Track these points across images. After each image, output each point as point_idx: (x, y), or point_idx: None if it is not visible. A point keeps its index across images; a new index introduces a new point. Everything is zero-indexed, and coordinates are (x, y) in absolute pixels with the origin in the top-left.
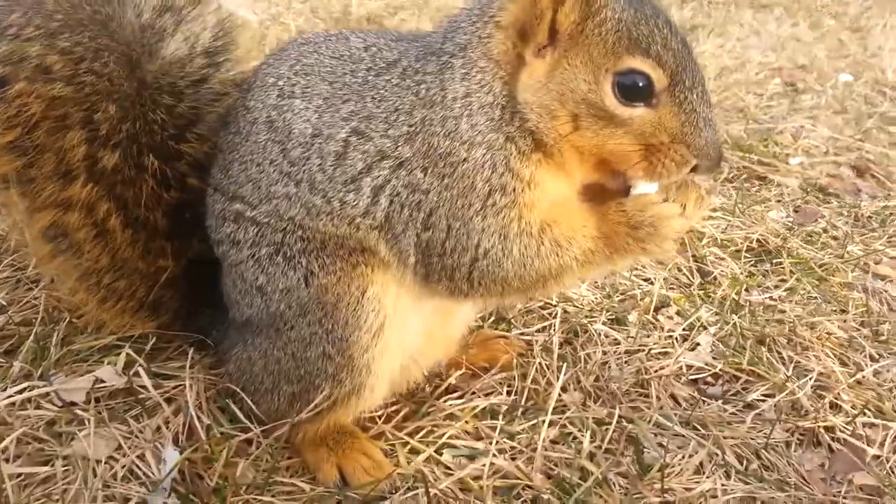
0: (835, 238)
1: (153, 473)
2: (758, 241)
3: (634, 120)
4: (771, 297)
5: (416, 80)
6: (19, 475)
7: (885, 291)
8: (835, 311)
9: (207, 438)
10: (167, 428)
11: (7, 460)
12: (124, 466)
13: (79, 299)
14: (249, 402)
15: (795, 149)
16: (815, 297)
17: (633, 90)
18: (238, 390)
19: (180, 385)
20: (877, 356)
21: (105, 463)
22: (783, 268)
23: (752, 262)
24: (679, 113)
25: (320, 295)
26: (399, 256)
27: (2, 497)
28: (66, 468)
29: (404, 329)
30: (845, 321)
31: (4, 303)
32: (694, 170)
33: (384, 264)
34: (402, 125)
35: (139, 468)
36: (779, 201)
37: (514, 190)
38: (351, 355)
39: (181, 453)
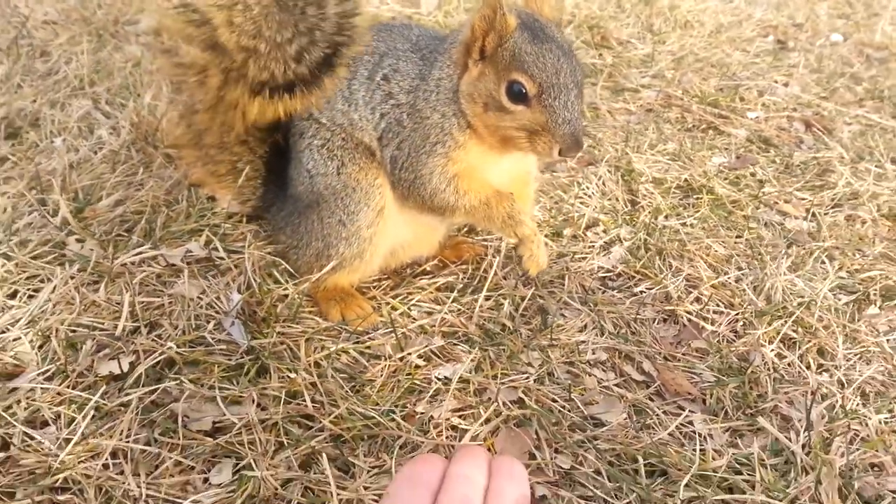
0: (760, 181)
1: (225, 307)
2: (686, 180)
3: (517, 113)
4: (683, 223)
5: (424, 62)
6: (142, 303)
7: (781, 224)
8: (730, 236)
9: (259, 289)
10: (233, 282)
11: (133, 294)
12: (207, 302)
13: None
14: (287, 265)
15: (756, 104)
16: (719, 226)
17: (515, 93)
18: (280, 259)
19: (242, 257)
20: (745, 268)
21: (194, 300)
22: (702, 201)
23: (678, 198)
24: (545, 112)
25: (347, 180)
26: (384, 162)
27: (128, 314)
28: (170, 301)
29: (396, 219)
30: (735, 243)
31: (122, 198)
32: (561, 152)
33: (384, 167)
34: (407, 84)
35: (216, 304)
36: (726, 149)
37: (448, 146)
38: (359, 226)
39: (242, 296)
